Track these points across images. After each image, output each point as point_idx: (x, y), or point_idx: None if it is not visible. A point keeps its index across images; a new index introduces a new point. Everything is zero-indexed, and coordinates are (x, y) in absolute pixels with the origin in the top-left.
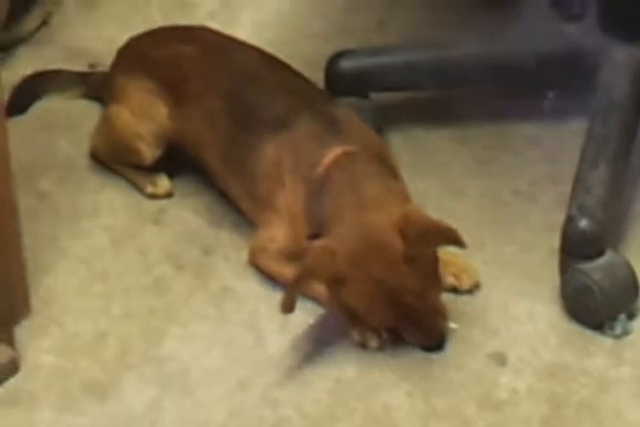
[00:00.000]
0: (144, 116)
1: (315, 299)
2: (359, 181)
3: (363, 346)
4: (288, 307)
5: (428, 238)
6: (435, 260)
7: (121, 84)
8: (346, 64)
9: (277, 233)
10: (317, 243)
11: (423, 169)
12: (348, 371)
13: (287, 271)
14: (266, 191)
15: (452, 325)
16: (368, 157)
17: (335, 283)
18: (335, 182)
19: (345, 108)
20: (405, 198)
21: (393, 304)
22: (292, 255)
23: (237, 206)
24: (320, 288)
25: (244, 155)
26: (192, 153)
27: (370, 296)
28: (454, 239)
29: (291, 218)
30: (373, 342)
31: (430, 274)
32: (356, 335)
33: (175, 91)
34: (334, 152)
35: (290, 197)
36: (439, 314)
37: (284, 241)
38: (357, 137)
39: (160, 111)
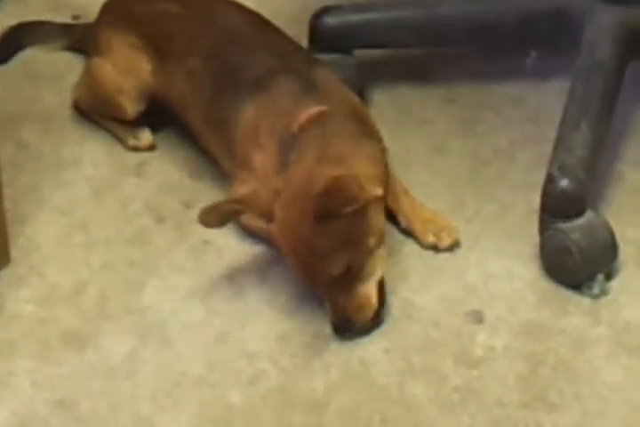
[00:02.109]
0: (127, 72)
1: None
2: (328, 138)
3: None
4: (208, 220)
5: (339, 206)
6: (354, 234)
7: (105, 38)
8: (330, 20)
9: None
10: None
11: (406, 127)
12: (325, 326)
13: (263, 226)
14: (243, 151)
15: None
16: (343, 117)
17: (267, 219)
18: (305, 139)
19: (325, 69)
20: (373, 161)
21: (300, 257)
22: (255, 208)
23: (218, 164)
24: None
25: (223, 115)
26: (175, 109)
27: (283, 240)
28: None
29: (265, 177)
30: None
31: (341, 243)
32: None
33: (159, 47)
34: (308, 112)
35: (265, 157)
36: (353, 296)
37: (260, 197)
38: (334, 98)
39: (143, 67)
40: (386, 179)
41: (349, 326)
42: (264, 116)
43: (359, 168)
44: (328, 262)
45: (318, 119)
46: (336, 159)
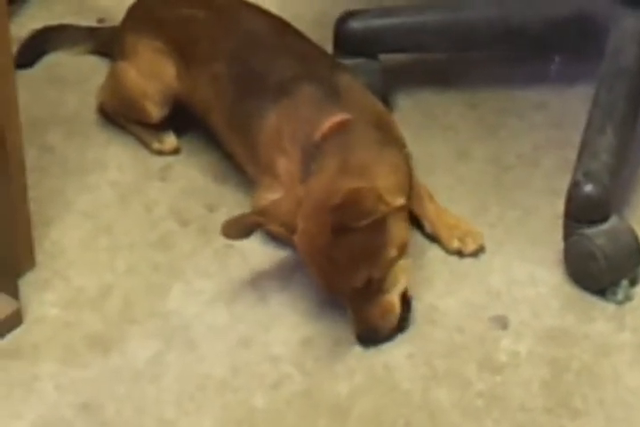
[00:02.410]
0: (152, 76)
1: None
2: (350, 148)
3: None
4: (230, 232)
5: (354, 219)
6: (373, 246)
7: (130, 43)
8: (355, 24)
9: (276, 196)
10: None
11: (430, 132)
12: (348, 331)
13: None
14: (267, 157)
15: None
16: (365, 125)
17: (289, 230)
18: (327, 148)
19: (348, 75)
20: (396, 169)
21: (322, 269)
22: (277, 219)
23: (242, 168)
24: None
25: (247, 121)
26: (199, 113)
27: (305, 252)
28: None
29: (289, 183)
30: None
31: (361, 256)
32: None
33: (184, 52)
34: (331, 120)
35: (289, 163)
36: (376, 305)
37: (283, 204)
38: (357, 105)
39: (168, 71)
40: (409, 187)
41: (373, 336)
42: (287, 122)
43: (381, 178)
44: (348, 274)
45: (341, 128)
46: (358, 169)
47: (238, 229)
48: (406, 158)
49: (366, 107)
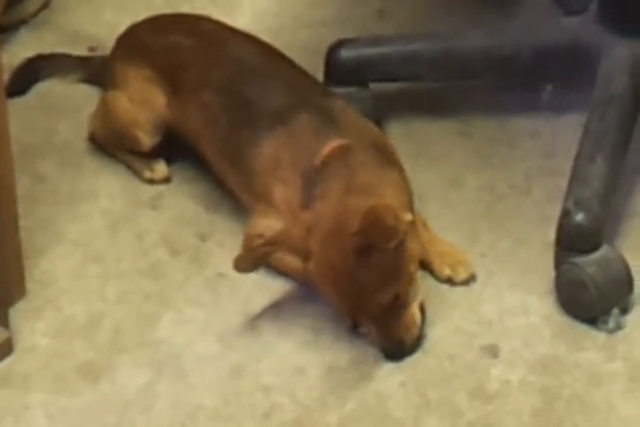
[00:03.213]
0: (142, 105)
1: (282, 270)
2: (352, 169)
3: (355, 332)
4: (244, 266)
5: (381, 241)
6: (397, 262)
7: (120, 72)
8: (346, 53)
9: (273, 222)
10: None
11: (423, 160)
12: (341, 359)
13: (281, 259)
14: (263, 185)
15: None
16: (364, 148)
17: (303, 256)
18: (329, 172)
19: (342, 102)
20: (399, 188)
21: (345, 293)
22: (289, 244)
23: (235, 196)
24: (290, 260)
25: (240, 149)
26: (190, 141)
27: (324, 277)
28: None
29: (288, 212)
30: (364, 328)
31: (386, 274)
32: (347, 320)
33: (174, 81)
34: (330, 145)
35: (287, 191)
36: (402, 319)
37: (279, 231)
38: (353, 129)
39: (158, 100)
40: (412, 205)
41: (400, 350)
42: (284, 150)
43: (387, 197)
44: (376, 294)
45: (340, 152)
46: (364, 190)
47: (250, 262)
48: (406, 178)
49: (363, 130)
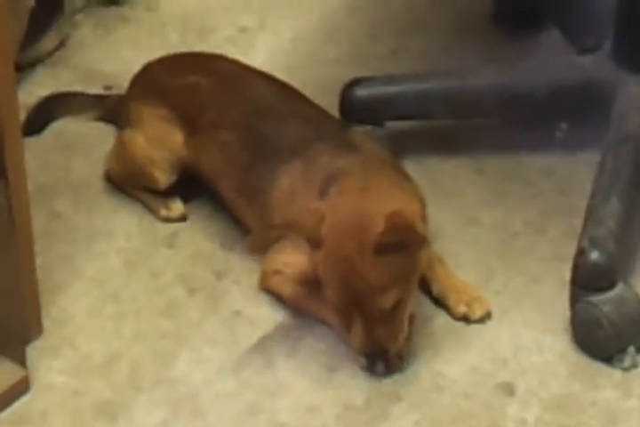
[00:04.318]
0: (158, 144)
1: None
2: (371, 174)
3: (370, 371)
4: (256, 248)
5: (410, 238)
6: (409, 268)
7: (136, 111)
8: (361, 92)
9: (292, 258)
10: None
11: (437, 198)
12: (356, 398)
13: (300, 296)
14: (280, 218)
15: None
16: (382, 163)
17: (313, 244)
18: (347, 174)
19: (361, 134)
20: (416, 198)
21: (349, 288)
22: (307, 281)
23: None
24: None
25: (258, 185)
26: (206, 179)
27: (333, 269)
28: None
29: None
30: (380, 367)
31: (397, 278)
32: (362, 360)
33: (190, 119)
34: (348, 160)
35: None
36: (392, 327)
37: (299, 266)
38: (372, 153)
39: (175, 139)
40: (426, 217)
41: (383, 355)
42: (300, 179)
43: (405, 202)
44: (381, 297)
45: (358, 169)
46: (383, 191)
47: (262, 243)
48: (421, 193)
49: (381, 155)
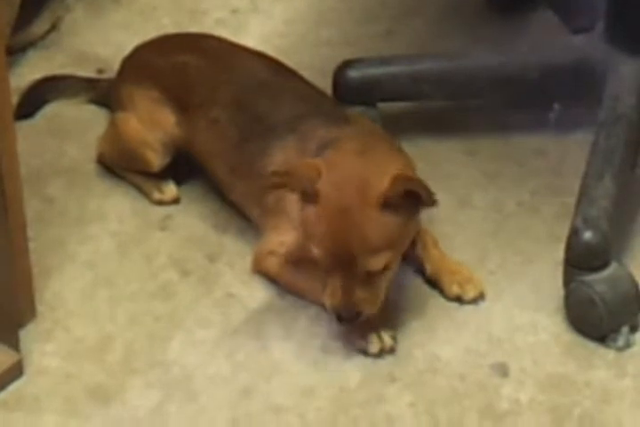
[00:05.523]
0: (151, 125)
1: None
2: (368, 144)
3: (364, 352)
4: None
5: (417, 189)
6: (406, 232)
7: (127, 93)
8: (353, 73)
9: (286, 238)
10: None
11: (430, 179)
12: (351, 379)
13: (294, 276)
14: (274, 197)
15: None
16: (377, 136)
17: (306, 197)
18: (342, 139)
19: (355, 112)
20: (409, 165)
21: (341, 244)
22: (300, 262)
23: (245, 213)
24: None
25: (251, 162)
26: (200, 160)
27: (327, 223)
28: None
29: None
30: (374, 348)
31: (392, 240)
32: (357, 341)
33: (182, 99)
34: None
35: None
36: (373, 293)
37: (293, 246)
38: (367, 127)
39: (167, 119)
40: None
41: (355, 317)
42: (295, 153)
43: (405, 165)
44: (373, 258)
45: (354, 138)
46: (381, 154)
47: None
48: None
49: (376, 129)
